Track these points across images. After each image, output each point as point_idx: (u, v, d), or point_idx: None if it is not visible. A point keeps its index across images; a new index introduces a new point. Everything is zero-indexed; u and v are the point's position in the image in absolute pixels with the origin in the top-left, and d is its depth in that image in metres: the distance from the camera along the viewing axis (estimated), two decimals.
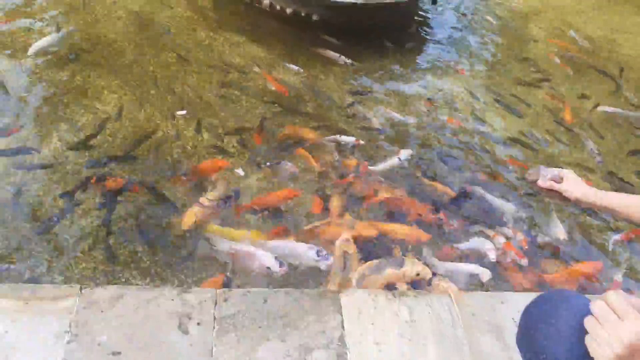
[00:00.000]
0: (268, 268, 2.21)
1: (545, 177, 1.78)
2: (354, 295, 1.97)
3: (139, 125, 2.85)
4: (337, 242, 2.37)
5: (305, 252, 2.29)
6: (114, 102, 2.97)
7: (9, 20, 3.41)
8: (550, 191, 1.79)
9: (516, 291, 2.22)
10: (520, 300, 1.93)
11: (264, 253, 2.25)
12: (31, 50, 3.16)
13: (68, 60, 3.21)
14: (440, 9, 4.67)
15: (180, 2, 4.01)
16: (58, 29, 3.39)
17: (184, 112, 2.98)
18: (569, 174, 1.78)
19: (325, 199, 2.61)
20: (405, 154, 2.93)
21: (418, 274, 2.11)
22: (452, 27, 4.49)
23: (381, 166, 2.84)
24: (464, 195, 2.67)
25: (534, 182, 1.82)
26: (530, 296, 1.32)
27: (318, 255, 2.27)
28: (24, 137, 2.63)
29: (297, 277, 2.22)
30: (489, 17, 4.73)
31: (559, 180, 1.77)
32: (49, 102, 2.89)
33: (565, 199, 1.79)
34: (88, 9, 3.71)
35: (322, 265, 2.25)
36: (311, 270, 2.25)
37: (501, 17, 4.77)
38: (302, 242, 2.35)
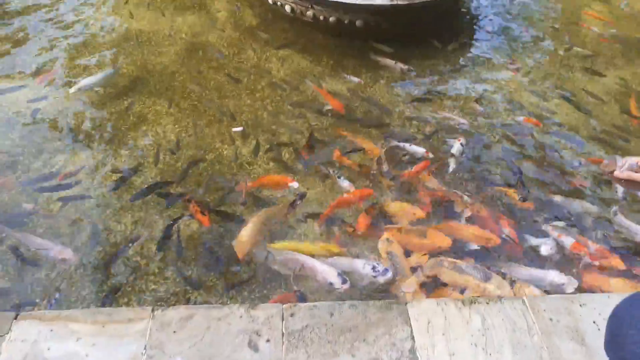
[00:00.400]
0: (331, 284, 2.20)
1: (622, 167, 1.68)
2: (421, 305, 1.92)
3: (199, 146, 2.93)
4: (380, 245, 2.34)
5: (362, 269, 2.26)
6: (172, 126, 3.06)
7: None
8: (629, 182, 1.69)
9: (595, 292, 2.09)
10: (601, 302, 1.83)
11: (327, 268, 2.24)
12: (73, 89, 3.24)
13: (126, 90, 3.34)
14: (481, 2, 4.55)
15: (228, 24, 4.11)
16: (114, 66, 3.51)
17: (240, 128, 3.04)
18: None
19: (380, 208, 2.58)
20: (459, 143, 2.90)
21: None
22: (495, 19, 4.36)
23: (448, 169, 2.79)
24: (525, 194, 2.55)
25: (611, 173, 1.72)
26: (613, 297, 1.24)
27: (375, 271, 2.24)
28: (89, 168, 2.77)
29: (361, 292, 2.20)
30: (530, 6, 4.56)
31: (638, 169, 1.66)
32: (110, 131, 3.02)
33: None
34: (141, 38, 3.86)
35: (381, 280, 2.21)
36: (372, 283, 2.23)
37: (543, 4, 4.59)
38: (358, 258, 2.33)
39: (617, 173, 1.69)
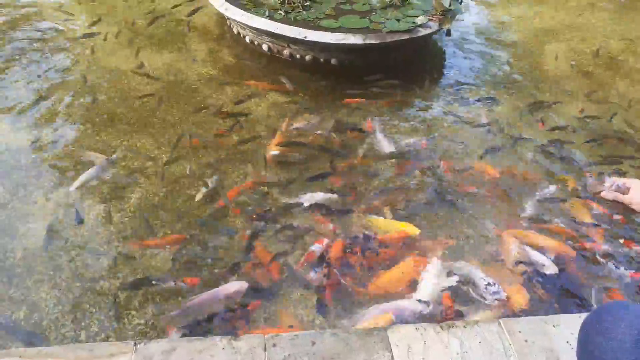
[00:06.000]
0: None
1: (609, 188, 1.71)
2: (401, 330, 1.96)
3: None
4: None
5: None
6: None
7: None
8: (615, 202, 1.71)
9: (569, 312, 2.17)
10: (574, 322, 1.90)
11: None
12: (74, 186, 2.90)
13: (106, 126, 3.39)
14: (454, 39, 4.76)
15: (207, 63, 4.21)
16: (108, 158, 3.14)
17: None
18: (635, 183, 1.69)
19: None
20: None
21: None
22: (463, 57, 4.55)
23: None
24: None
25: (598, 193, 1.75)
26: (584, 317, 1.30)
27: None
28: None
29: None
30: (505, 43, 4.81)
31: (625, 191, 1.69)
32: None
33: (632, 211, 1.71)
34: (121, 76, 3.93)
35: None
36: None
37: (515, 41, 4.85)
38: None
39: (604, 194, 1.74)
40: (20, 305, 2.23)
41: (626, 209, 1.74)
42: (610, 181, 1.75)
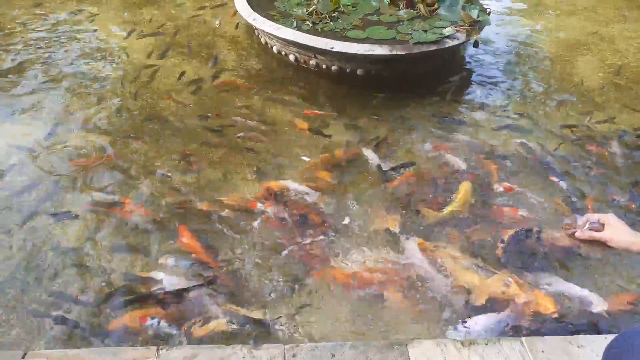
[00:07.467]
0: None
1: (583, 226, 1.63)
2: (422, 345, 1.95)
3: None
4: None
5: None
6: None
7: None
8: (592, 242, 1.64)
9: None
10: (599, 343, 1.86)
11: None
12: None
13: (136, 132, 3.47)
14: (482, 51, 4.72)
15: (234, 72, 4.27)
16: None
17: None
18: (610, 219, 1.61)
19: None
20: None
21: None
22: (492, 69, 4.51)
23: None
24: None
25: (572, 234, 1.68)
26: (610, 338, 1.28)
27: None
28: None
29: None
30: (533, 55, 4.74)
31: (600, 227, 1.62)
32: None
33: (610, 248, 1.64)
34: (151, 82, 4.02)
35: None
36: None
37: (545, 54, 4.78)
38: None
39: (578, 234, 1.67)
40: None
41: (604, 247, 1.66)
42: (584, 219, 1.68)
